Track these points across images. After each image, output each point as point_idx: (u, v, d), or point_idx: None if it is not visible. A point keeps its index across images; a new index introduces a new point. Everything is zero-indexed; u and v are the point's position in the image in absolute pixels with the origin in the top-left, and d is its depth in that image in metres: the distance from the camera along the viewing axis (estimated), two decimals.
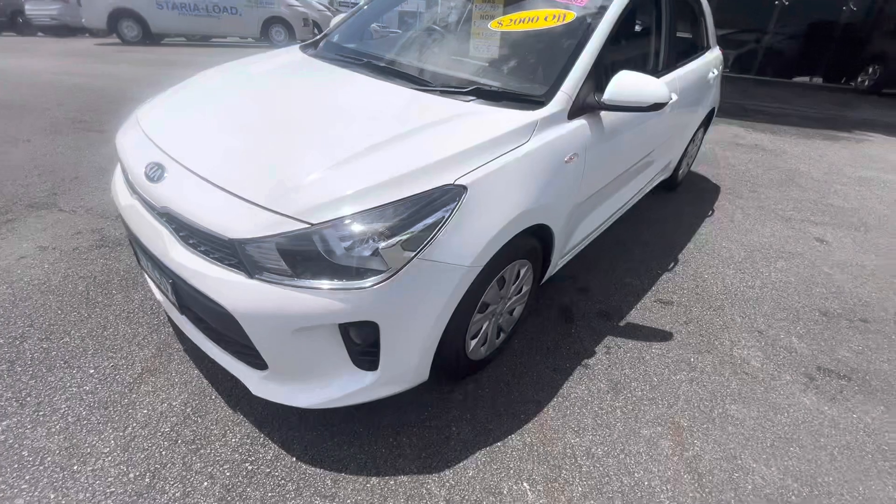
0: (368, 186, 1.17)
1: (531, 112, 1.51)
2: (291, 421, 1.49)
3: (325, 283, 1.13)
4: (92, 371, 1.61)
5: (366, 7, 2.44)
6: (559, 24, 1.78)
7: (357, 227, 1.13)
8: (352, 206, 1.14)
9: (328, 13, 14.16)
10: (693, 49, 2.97)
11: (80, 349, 1.69)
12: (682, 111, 2.69)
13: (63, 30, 12.08)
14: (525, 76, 1.76)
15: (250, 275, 1.15)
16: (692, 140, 3.23)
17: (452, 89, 1.61)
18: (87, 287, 2.00)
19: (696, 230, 3.03)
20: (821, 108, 7.54)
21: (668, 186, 3.40)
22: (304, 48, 2.21)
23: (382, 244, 1.13)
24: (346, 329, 1.22)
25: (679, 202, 3.40)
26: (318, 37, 2.30)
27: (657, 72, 2.32)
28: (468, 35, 2.00)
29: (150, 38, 10.13)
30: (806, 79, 11.26)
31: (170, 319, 1.85)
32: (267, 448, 1.41)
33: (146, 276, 1.69)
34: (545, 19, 1.80)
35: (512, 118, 1.46)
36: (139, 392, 1.55)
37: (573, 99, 1.60)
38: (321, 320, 1.15)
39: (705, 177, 3.98)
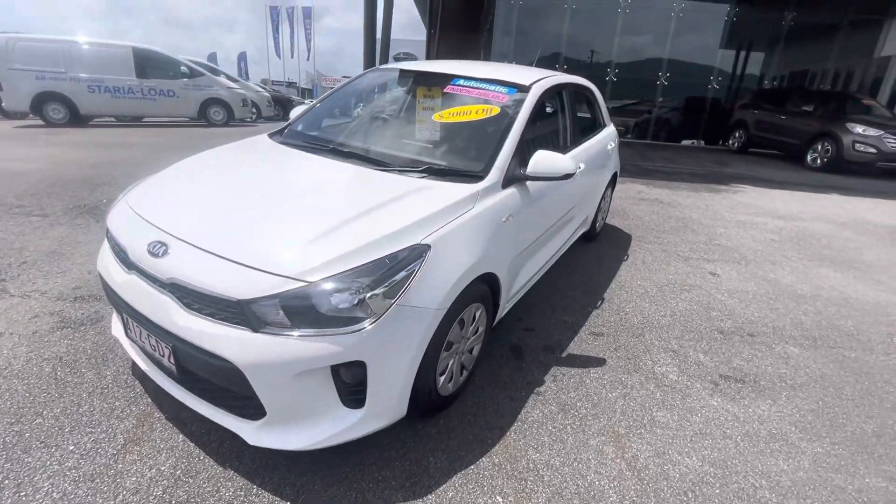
0: (353, 249, 1.45)
1: (473, 184, 1.90)
2: (281, 470, 1.61)
3: (321, 331, 1.36)
4: (72, 448, 1.63)
5: (320, 103, 2.84)
6: (488, 115, 2.26)
7: (346, 282, 1.39)
8: (341, 265, 1.41)
9: (265, 93, 14.83)
10: (593, 127, 3.68)
11: (56, 428, 1.71)
12: (590, 176, 3.29)
13: None
14: (466, 157, 2.18)
15: (255, 329, 1.35)
16: (603, 198, 3.86)
17: (409, 169, 1.98)
18: (54, 368, 2.01)
19: (616, 272, 3.55)
20: (704, 166, 9.01)
21: (589, 237, 3.97)
22: (271, 136, 2.52)
23: (368, 294, 1.39)
24: (336, 371, 1.43)
25: (599, 250, 3.97)
26: (284, 126, 2.64)
27: (566, 147, 2.89)
28: (414, 125, 2.44)
29: (77, 119, 9.97)
30: (692, 142, 13.36)
31: (149, 390, 1.91)
32: (261, 497, 1.51)
33: (130, 349, 1.79)
34: (476, 112, 2.28)
35: (459, 190, 1.84)
36: (125, 462, 1.60)
37: (504, 172, 2.03)
38: (319, 363, 1.36)
39: (619, 227, 4.66)
